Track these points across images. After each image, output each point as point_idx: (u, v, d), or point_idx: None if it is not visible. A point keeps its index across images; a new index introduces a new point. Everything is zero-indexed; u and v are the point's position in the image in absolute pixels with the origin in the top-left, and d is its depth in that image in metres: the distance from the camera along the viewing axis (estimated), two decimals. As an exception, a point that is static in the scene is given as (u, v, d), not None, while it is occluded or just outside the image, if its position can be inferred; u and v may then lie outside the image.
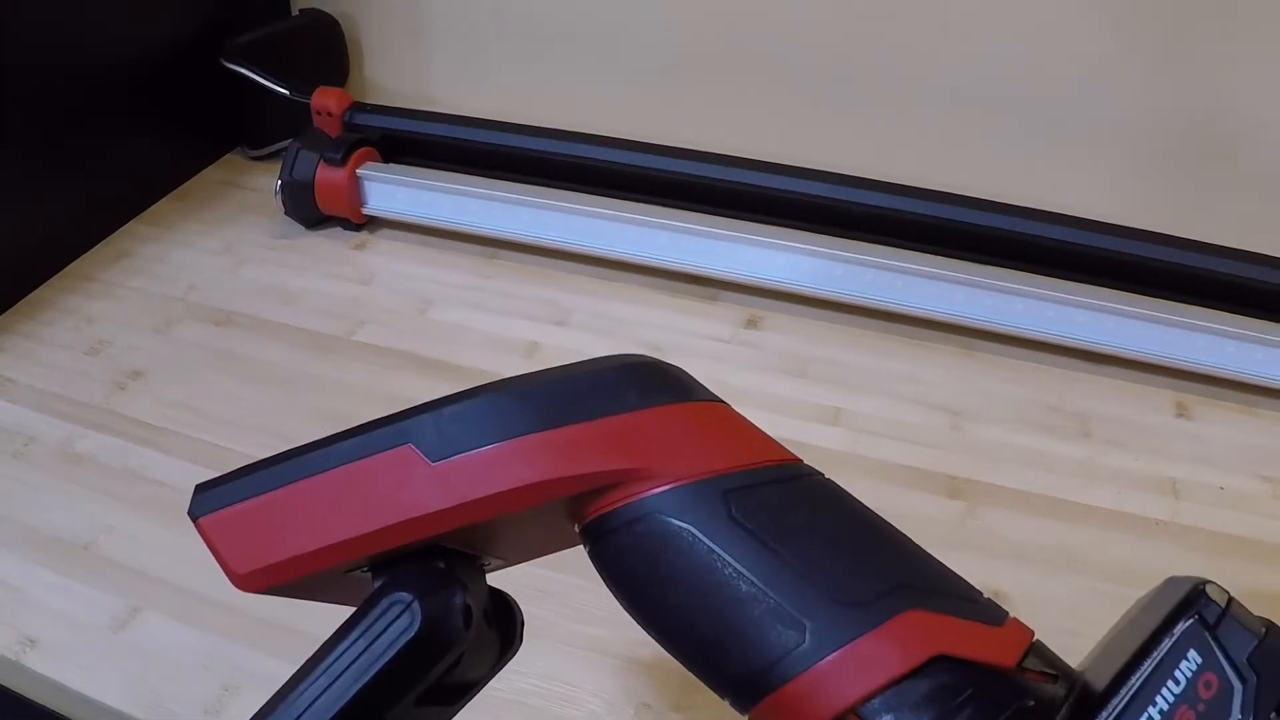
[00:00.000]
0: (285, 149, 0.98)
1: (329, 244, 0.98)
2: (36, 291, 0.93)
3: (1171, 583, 0.35)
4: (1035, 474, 0.74)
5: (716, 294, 0.90)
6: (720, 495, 0.34)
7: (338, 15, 1.12)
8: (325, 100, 1.01)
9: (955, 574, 0.36)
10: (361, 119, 1.01)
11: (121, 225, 1.01)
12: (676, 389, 0.37)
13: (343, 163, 0.95)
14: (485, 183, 0.96)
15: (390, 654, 0.33)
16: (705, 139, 0.94)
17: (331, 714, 0.33)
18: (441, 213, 0.96)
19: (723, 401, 0.37)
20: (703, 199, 0.92)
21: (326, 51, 1.13)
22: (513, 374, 0.38)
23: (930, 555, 0.36)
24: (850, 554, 0.35)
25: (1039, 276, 0.83)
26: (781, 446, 0.37)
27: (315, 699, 0.33)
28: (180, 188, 1.07)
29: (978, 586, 0.58)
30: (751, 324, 0.87)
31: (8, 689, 0.64)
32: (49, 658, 0.62)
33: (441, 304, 0.91)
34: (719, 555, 0.34)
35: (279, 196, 0.97)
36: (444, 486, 0.34)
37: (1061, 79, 0.90)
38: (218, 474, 0.36)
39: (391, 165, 0.99)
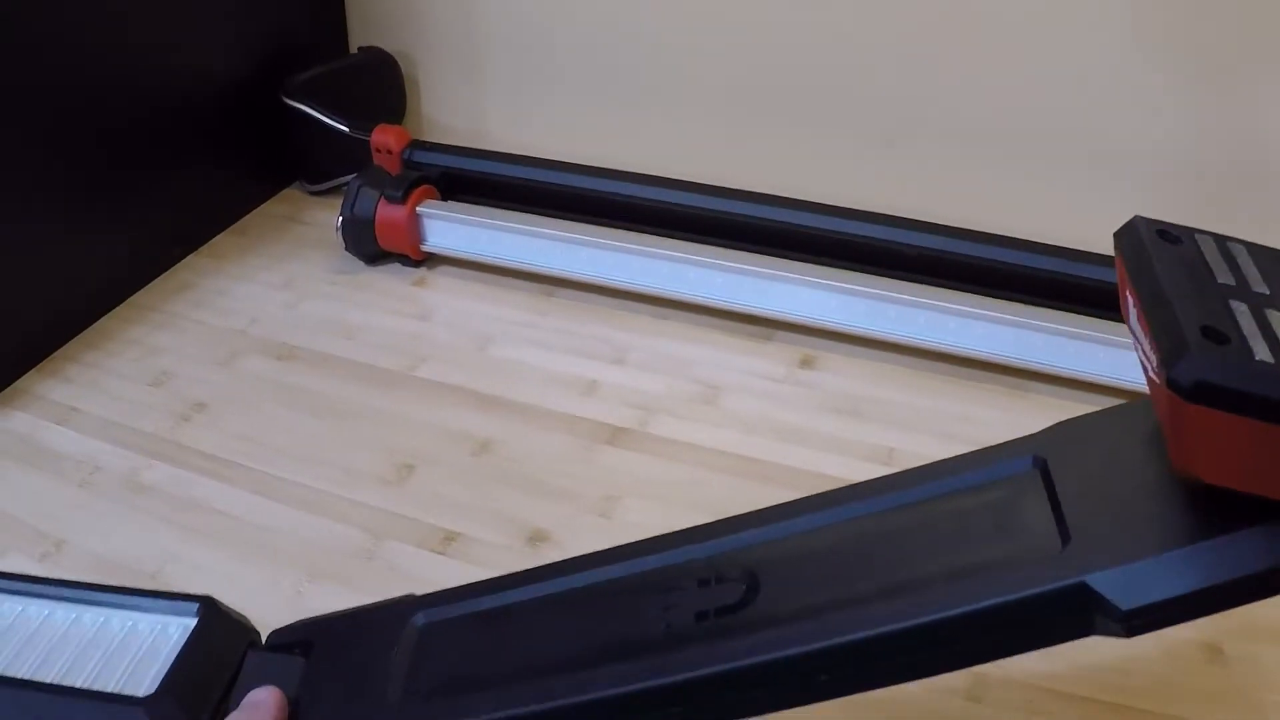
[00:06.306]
0: (345, 185, 0.99)
1: (388, 280, 1.00)
2: (100, 322, 0.95)
3: None
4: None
5: (771, 333, 0.91)
6: None
7: (395, 53, 1.14)
8: (385, 138, 1.03)
9: None
10: (421, 157, 1.02)
11: (183, 258, 1.03)
12: None
13: (403, 200, 0.96)
14: (543, 221, 0.97)
15: None
16: (760, 180, 0.96)
17: None
18: (500, 250, 0.97)
19: None
20: (758, 239, 0.93)
21: (384, 89, 1.15)
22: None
23: None
24: None
25: (1089, 318, 0.83)
26: None
27: None
28: (240, 221, 1.09)
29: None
30: (806, 363, 0.88)
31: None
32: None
33: (500, 341, 0.92)
34: None
35: (340, 233, 0.99)
36: None
37: (1111, 121, 0.91)
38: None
39: (451, 203, 1.00)
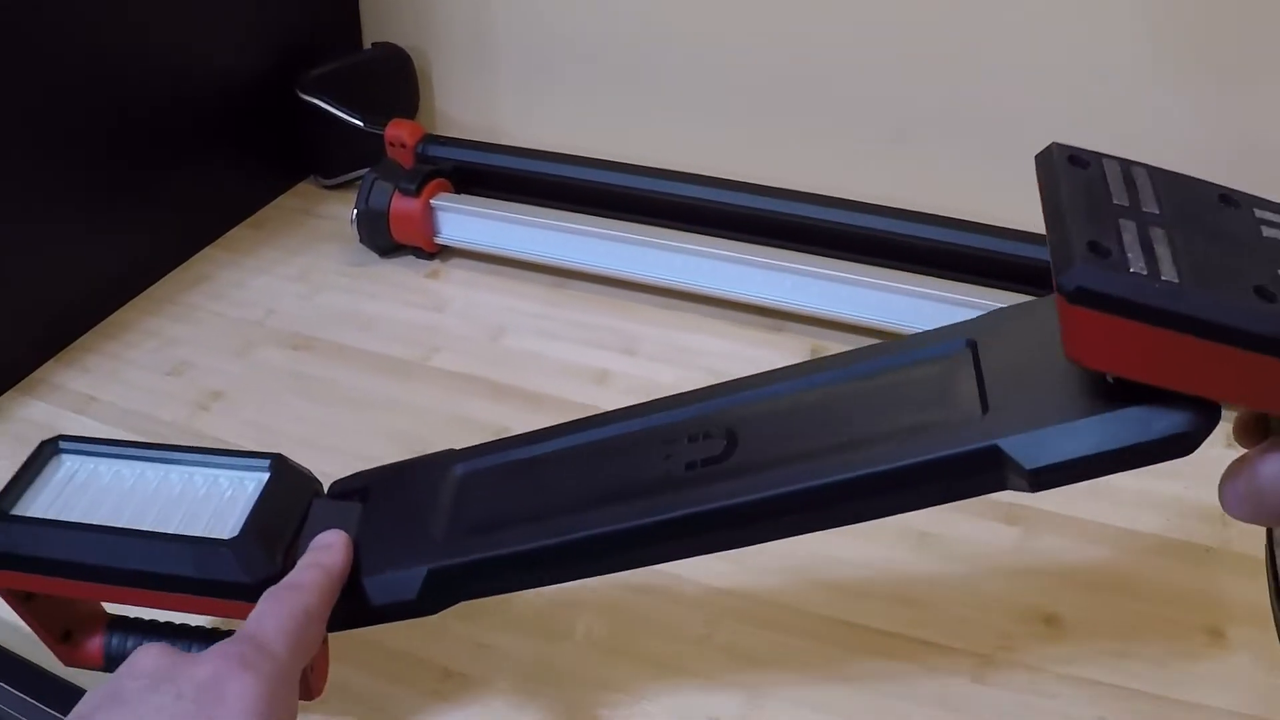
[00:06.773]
0: (359, 179, 1.00)
1: (402, 272, 1.01)
2: (118, 313, 0.96)
3: None
4: (1089, 502, 0.74)
5: (782, 324, 0.92)
6: None
7: (408, 49, 1.15)
8: (399, 132, 1.04)
9: None
10: (434, 151, 1.03)
11: (199, 251, 1.04)
12: None
13: (417, 193, 0.97)
14: (555, 214, 0.98)
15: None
16: (769, 173, 0.96)
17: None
18: (512, 243, 0.98)
19: None
20: (769, 232, 0.94)
21: (397, 84, 1.16)
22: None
23: None
24: None
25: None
26: None
27: None
28: (256, 215, 1.10)
29: (1033, 608, 0.65)
30: (816, 354, 0.89)
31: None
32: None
33: (513, 332, 0.93)
34: None
35: (354, 225, 1.00)
36: None
37: (1115, 121, 0.92)
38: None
39: (464, 196, 1.02)
